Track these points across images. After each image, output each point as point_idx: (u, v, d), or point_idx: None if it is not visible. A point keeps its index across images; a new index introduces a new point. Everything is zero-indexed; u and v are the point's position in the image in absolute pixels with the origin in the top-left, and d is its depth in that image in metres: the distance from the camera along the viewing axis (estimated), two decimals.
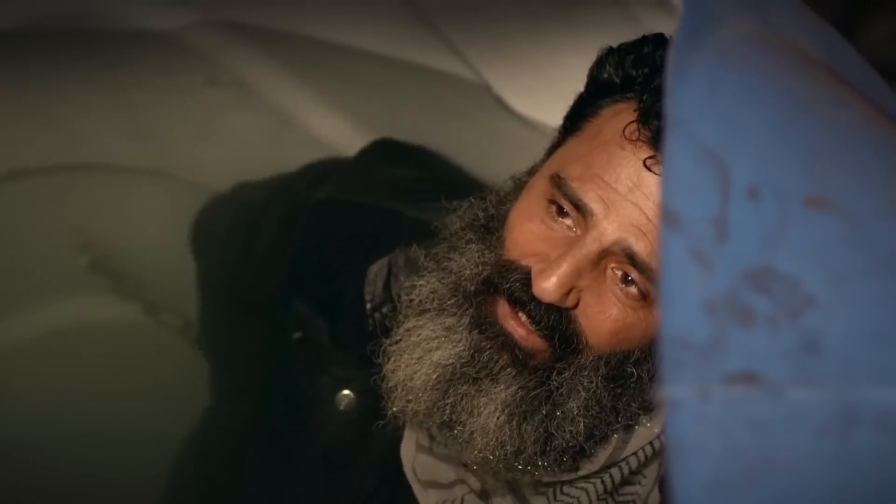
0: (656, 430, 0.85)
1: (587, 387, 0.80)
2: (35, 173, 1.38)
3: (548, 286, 0.77)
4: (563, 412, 0.81)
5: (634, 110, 0.77)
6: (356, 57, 1.31)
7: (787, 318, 0.45)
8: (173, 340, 1.45)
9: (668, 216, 0.46)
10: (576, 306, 0.79)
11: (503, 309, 0.81)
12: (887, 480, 0.44)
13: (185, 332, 1.44)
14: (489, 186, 0.95)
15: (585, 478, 0.86)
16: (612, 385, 0.81)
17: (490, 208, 0.88)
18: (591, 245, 0.77)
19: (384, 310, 0.96)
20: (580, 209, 0.78)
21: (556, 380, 0.80)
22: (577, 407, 0.80)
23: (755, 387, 0.44)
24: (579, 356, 0.80)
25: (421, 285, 0.86)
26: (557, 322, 0.79)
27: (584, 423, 0.81)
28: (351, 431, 1.00)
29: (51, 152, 1.38)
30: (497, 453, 0.81)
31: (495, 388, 0.80)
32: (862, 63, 0.71)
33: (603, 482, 0.86)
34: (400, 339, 0.85)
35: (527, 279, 0.79)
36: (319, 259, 1.06)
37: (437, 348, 0.82)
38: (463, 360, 0.81)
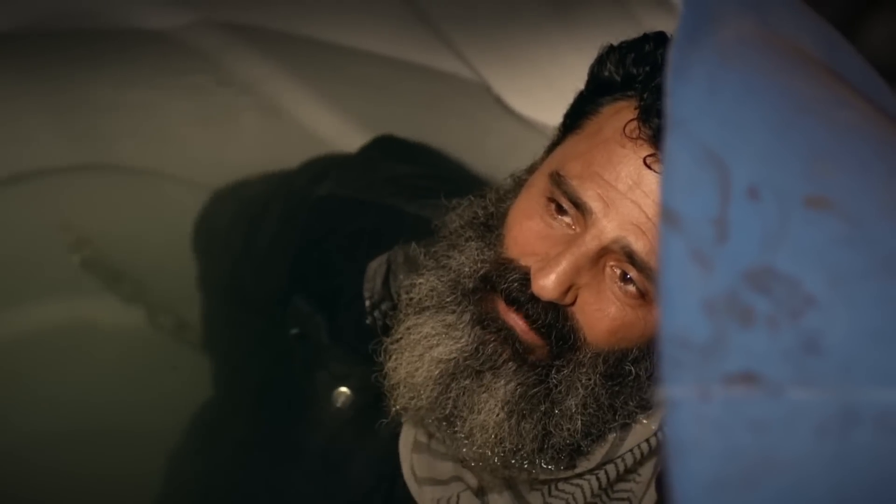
0: (653, 427, 0.86)
1: (585, 384, 0.80)
2: (35, 173, 1.38)
3: (547, 284, 0.77)
4: (561, 410, 0.81)
5: (635, 108, 0.78)
6: (356, 57, 1.31)
7: (787, 319, 0.45)
8: (169, 339, 1.45)
9: (667, 216, 0.46)
10: (574, 304, 0.79)
11: (502, 305, 0.81)
12: (887, 480, 0.44)
13: (180, 331, 1.44)
14: (489, 184, 0.95)
15: (581, 475, 0.86)
16: (610, 383, 0.81)
17: (490, 206, 0.88)
18: (590, 243, 0.77)
19: (383, 307, 0.97)
20: (579, 207, 0.78)
21: (554, 377, 0.80)
22: (576, 405, 0.81)
23: (755, 387, 0.44)
24: (577, 353, 0.80)
25: (420, 283, 0.86)
26: (555, 320, 0.79)
27: (581, 420, 0.81)
28: (348, 429, 1.00)
29: (51, 152, 1.38)
30: (495, 450, 0.81)
31: (496, 382, 0.80)
32: (862, 63, 0.71)
33: (598, 479, 0.86)
34: (400, 338, 0.85)
35: (525, 279, 0.79)
36: (320, 255, 1.06)
37: (438, 345, 0.82)
38: (466, 354, 0.81)
